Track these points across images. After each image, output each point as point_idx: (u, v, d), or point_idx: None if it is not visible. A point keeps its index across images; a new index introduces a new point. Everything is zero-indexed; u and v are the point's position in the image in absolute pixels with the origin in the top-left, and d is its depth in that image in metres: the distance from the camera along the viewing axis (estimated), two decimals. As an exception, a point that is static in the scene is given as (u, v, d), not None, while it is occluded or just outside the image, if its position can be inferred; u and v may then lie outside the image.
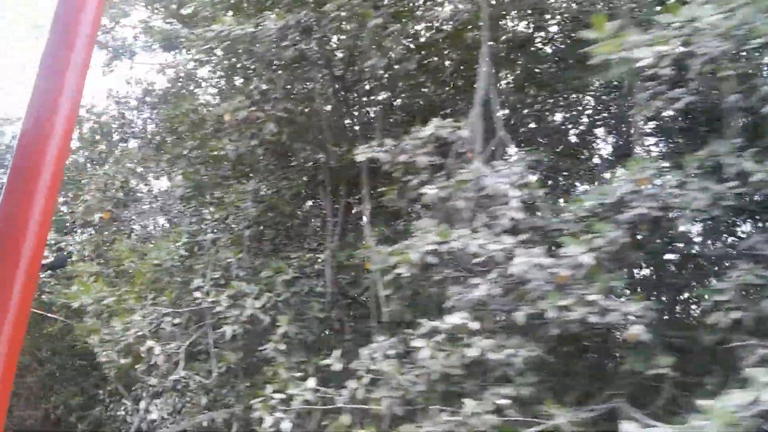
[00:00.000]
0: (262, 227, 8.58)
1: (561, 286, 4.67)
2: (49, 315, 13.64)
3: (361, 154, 5.90)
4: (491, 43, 6.53)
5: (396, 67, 6.96)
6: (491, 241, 4.91)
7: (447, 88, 8.36)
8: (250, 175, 9.10)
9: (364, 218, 7.75)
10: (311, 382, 5.64)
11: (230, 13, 7.96)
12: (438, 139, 5.67)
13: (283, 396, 5.83)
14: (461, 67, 7.94)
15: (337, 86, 7.94)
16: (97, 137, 16.16)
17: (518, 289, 4.85)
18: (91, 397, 16.45)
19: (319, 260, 8.21)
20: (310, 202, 9.49)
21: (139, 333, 7.33)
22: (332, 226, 8.38)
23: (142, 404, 12.24)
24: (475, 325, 4.71)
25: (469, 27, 7.16)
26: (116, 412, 14.11)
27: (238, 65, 8.18)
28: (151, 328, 7.52)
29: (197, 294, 8.01)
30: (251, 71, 8.06)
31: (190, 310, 7.99)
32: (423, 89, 8.48)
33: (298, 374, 6.26)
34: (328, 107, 8.43)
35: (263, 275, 7.61)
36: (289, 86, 7.60)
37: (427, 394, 5.11)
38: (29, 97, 1.37)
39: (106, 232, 11.90)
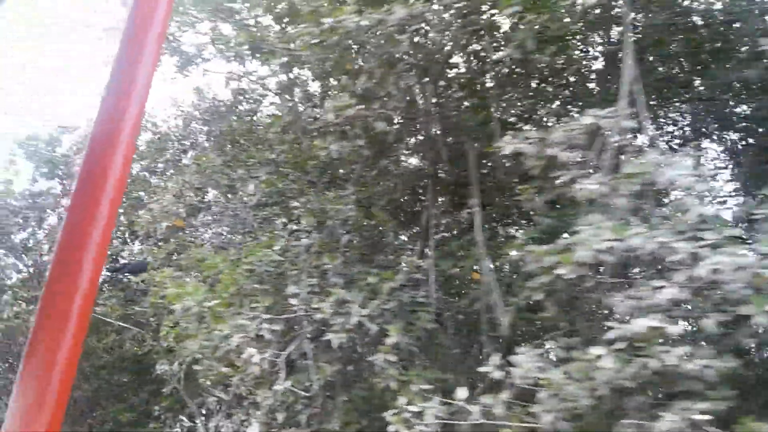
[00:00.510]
0: (359, 233, 8.11)
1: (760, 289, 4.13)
2: (116, 322, 13.24)
3: (507, 145, 5.43)
4: (633, 37, 6.07)
5: (527, 59, 6.50)
6: (676, 239, 4.38)
7: (576, 81, 7.87)
8: (343, 179, 8.68)
9: (476, 222, 7.24)
10: (462, 393, 5.09)
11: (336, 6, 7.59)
12: (593, 130, 5.19)
13: (416, 409, 5.33)
14: (596, 59, 7.48)
15: (452, 82, 7.53)
16: (157, 148, 15.94)
17: (709, 292, 4.31)
18: (141, 413, 15.96)
19: (420, 268, 7.70)
20: (409, 208, 8.99)
21: (243, 339, 6.84)
22: (434, 234, 7.89)
23: (215, 420, 11.76)
24: (676, 329, 4.16)
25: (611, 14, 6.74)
26: (173, 428, 13.61)
27: (340, 62, 7.79)
28: (251, 335, 7.03)
29: (293, 301, 7.55)
30: (356, 68, 7.65)
31: (285, 318, 7.52)
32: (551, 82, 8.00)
33: (426, 386, 5.75)
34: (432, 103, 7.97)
35: (370, 281, 7.13)
36: (400, 83, 7.16)
37: (592, 409, 4.56)
38: (100, 102, 1.35)
39: (173, 240, 11.52)
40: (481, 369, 5.06)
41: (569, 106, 7.28)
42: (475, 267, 7.46)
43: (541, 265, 4.92)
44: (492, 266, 6.97)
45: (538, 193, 5.68)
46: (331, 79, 8.33)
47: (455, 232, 8.47)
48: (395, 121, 7.42)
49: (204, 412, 13.10)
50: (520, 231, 6.95)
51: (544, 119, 7.69)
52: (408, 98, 7.45)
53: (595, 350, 4.37)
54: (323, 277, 7.77)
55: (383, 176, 8.08)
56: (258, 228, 9.89)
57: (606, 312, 4.90)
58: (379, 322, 6.88)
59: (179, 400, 14.50)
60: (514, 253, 6.20)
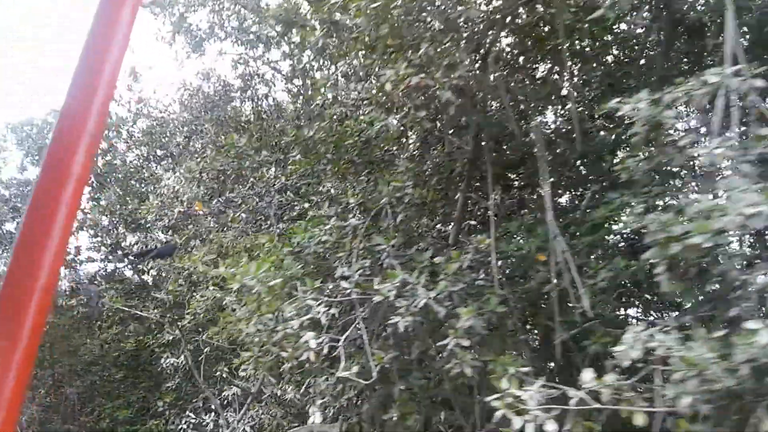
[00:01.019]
0: (415, 212, 7.58)
1: None
2: (134, 311, 12.48)
3: (622, 106, 4.96)
4: None
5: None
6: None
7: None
8: (387, 158, 8.15)
9: (546, 199, 6.77)
10: (587, 376, 4.60)
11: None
12: (712, 90, 4.75)
13: (520, 393, 4.83)
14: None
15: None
16: (158, 134, 15.21)
17: None
18: (139, 409, 15.17)
19: (479, 250, 7.20)
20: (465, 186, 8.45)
21: (302, 322, 6.26)
22: (495, 213, 7.40)
23: (233, 413, 11.09)
24: None
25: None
26: (178, 425, 12.88)
27: (397, 29, 7.26)
28: (308, 319, 6.45)
29: (345, 284, 6.99)
30: (414, 35, 7.13)
31: (338, 301, 6.96)
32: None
33: (523, 369, 5.27)
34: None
35: (436, 261, 6.62)
36: (469, 49, 6.66)
37: (732, 391, 4.12)
38: (65, 98, 1.32)
39: (191, 224, 10.85)
40: (617, 350, 4.55)
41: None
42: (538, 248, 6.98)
43: (668, 234, 4.46)
44: (566, 246, 6.49)
45: (642, 160, 5.23)
46: (383, 50, 7.76)
47: (517, 211, 8.00)
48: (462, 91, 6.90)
49: (213, 406, 12.40)
50: (604, 204, 6.44)
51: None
52: (476, 67, 6.96)
53: (752, 324, 3.92)
54: (377, 258, 7.24)
55: (440, 152, 7.56)
56: (287, 210, 9.31)
57: (738, 285, 4.46)
58: (447, 305, 6.38)
59: (183, 396, 13.78)
60: (626, 222, 5.73)
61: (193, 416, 12.39)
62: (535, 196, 7.88)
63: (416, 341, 6.90)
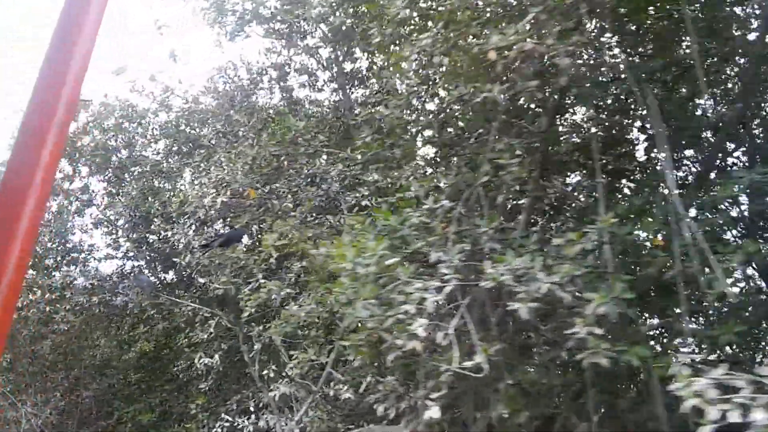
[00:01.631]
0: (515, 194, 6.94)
1: None
2: (191, 305, 11.67)
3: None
4: None
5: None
6: None
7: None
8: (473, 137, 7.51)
9: (668, 177, 6.17)
10: None
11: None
12: None
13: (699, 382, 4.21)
14: None
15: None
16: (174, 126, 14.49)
17: None
18: (163, 412, 14.32)
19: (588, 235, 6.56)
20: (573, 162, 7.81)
21: (411, 309, 5.58)
22: (604, 195, 6.77)
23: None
24: None
25: None
26: (212, 428, 12.09)
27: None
28: (414, 306, 5.77)
29: (444, 269, 6.32)
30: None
31: (440, 287, 6.28)
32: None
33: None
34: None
35: (556, 243, 5.99)
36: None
37: None
38: (30, 97, 1.32)
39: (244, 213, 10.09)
40: None
41: None
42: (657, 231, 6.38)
43: None
44: (695, 226, 5.89)
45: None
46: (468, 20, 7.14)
47: (632, 191, 7.40)
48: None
49: (252, 408, 11.62)
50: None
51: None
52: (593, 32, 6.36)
53: None
54: (476, 242, 6.59)
55: (548, 127, 6.92)
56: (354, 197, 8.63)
57: None
58: (570, 290, 5.75)
59: (214, 398, 12.98)
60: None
61: (229, 419, 11.61)
62: (639, 176, 7.28)
63: (532, 329, 6.26)
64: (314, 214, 9.23)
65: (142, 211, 14.46)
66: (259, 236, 9.49)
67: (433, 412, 5.57)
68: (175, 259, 11.78)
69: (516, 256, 5.97)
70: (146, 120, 15.46)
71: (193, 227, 11.89)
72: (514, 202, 7.15)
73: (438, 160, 7.67)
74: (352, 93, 13.20)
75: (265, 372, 10.34)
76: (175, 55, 12.39)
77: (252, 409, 11.65)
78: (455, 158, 7.34)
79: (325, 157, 9.90)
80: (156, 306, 13.12)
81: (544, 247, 6.31)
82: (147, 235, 14.37)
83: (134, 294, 13.95)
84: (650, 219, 6.35)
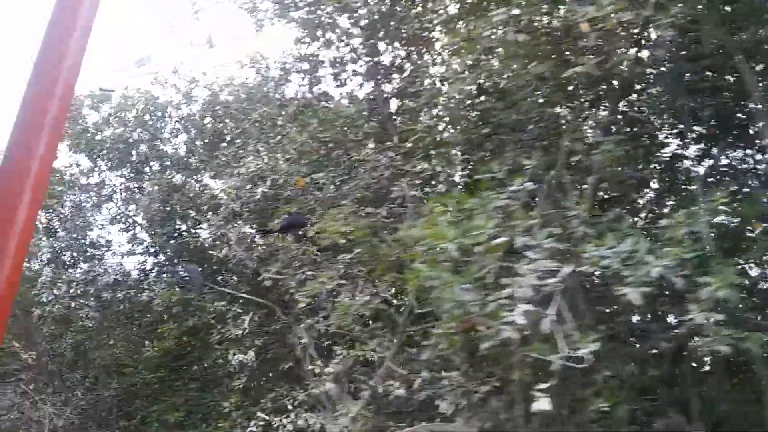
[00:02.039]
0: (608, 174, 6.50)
1: None
2: (242, 295, 11.16)
3: None
4: None
5: None
6: None
7: None
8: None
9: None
10: None
11: None
12: None
13: None
14: None
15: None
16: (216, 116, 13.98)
17: None
18: (191, 411, 13.77)
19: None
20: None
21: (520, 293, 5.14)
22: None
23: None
24: None
25: None
26: (245, 427, 11.58)
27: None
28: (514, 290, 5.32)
29: (531, 254, 5.88)
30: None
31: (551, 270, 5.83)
32: None
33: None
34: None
35: (664, 224, 5.57)
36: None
37: None
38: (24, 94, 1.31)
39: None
40: None
41: None
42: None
43: None
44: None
45: None
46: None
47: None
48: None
49: (291, 407, 11.10)
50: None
51: None
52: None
53: None
54: (566, 226, 6.17)
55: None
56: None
57: None
58: (681, 274, 5.33)
59: (247, 396, 12.45)
60: None
61: (266, 417, 11.10)
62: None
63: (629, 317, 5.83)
64: (360, 204, 8.75)
65: (166, 207, 13.93)
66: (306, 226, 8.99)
67: (543, 404, 5.12)
68: (211, 252, 11.24)
69: (616, 239, 5.56)
70: (168, 112, 14.94)
71: (225, 221, 11.39)
72: (605, 183, 6.72)
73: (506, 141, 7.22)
74: (386, 83, 12.72)
75: (311, 367, 9.85)
76: (211, 40, 11.89)
77: (290, 407, 11.14)
78: (529, 140, 6.90)
79: (371, 145, 9.45)
80: (184, 302, 12.56)
81: (642, 229, 5.91)
82: (173, 230, 13.82)
83: (159, 290, 13.40)
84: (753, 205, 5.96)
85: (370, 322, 8.31)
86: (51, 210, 15.08)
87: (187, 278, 12.51)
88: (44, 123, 1.24)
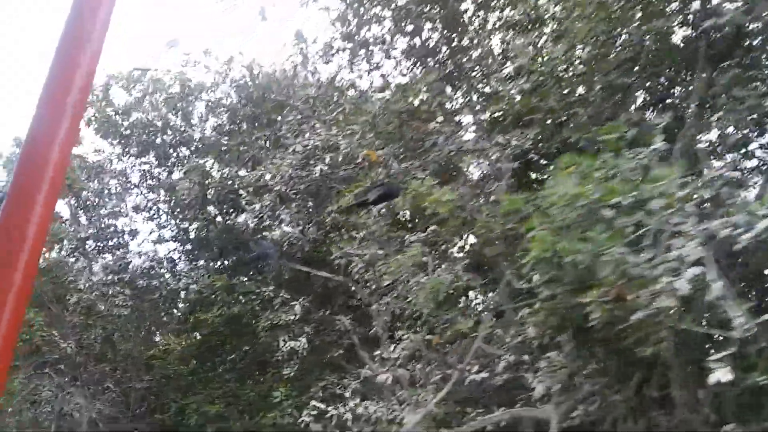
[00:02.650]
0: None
1: None
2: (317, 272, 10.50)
3: None
4: None
5: None
6: None
7: None
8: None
9: None
10: None
11: None
12: None
13: None
14: None
15: None
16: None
17: None
18: (229, 404, 13.10)
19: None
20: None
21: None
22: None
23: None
24: None
25: None
26: (297, 417, 10.93)
27: None
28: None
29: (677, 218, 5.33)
30: None
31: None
32: None
33: None
34: None
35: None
36: None
37: None
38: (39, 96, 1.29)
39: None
40: None
41: None
42: None
43: None
44: None
45: None
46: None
47: None
48: None
49: (348, 394, 10.47)
50: None
51: None
52: None
53: None
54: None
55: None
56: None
57: None
58: None
59: (295, 385, 11.79)
60: None
61: (322, 406, 10.46)
62: None
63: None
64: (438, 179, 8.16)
65: (202, 192, 13.24)
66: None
67: (723, 374, 4.56)
68: (266, 233, 10.59)
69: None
70: (200, 95, 14.24)
71: (275, 202, 10.74)
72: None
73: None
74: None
75: (377, 352, 9.25)
76: (264, 12, 11.25)
77: (347, 395, 10.52)
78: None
79: (440, 118, 8.87)
80: (228, 288, 11.90)
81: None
82: (209, 215, 13.14)
83: (198, 275, 12.74)
84: None
85: (462, 299, 7.70)
86: (76, 196, 14.34)
87: (260, 255, 11.68)
88: (64, 113, 1.20)
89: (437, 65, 11.59)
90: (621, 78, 6.85)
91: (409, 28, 11.66)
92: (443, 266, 7.58)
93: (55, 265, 11.83)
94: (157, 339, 14.43)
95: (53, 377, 11.83)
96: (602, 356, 6.85)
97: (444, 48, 11.79)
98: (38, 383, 10.73)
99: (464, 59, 10.05)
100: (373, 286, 8.27)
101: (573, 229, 5.31)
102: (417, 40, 11.99)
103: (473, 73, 9.80)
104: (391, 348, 9.37)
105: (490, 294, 7.56)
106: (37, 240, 1.20)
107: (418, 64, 11.76)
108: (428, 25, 11.71)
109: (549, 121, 7.44)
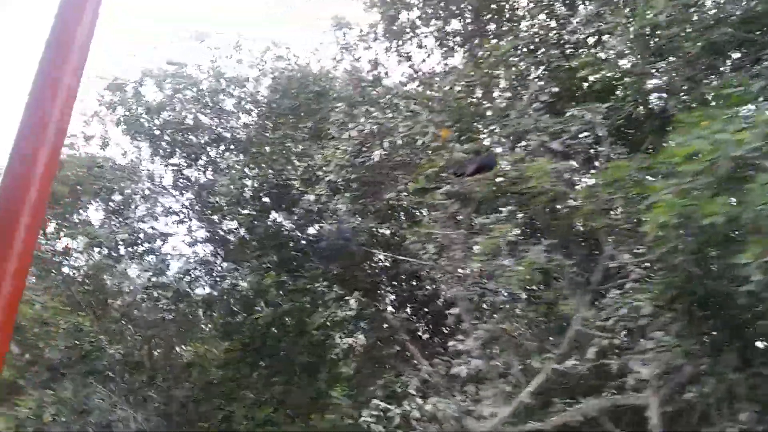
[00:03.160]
0: None
1: None
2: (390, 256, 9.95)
3: None
4: None
5: None
6: None
7: None
8: None
9: None
10: None
11: None
12: None
13: None
14: None
15: None
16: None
17: None
18: (277, 409, 12.52)
19: None
20: None
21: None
22: None
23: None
24: None
25: None
26: (358, 419, 10.35)
27: None
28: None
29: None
30: None
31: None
32: None
33: None
34: None
35: None
36: None
37: None
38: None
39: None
40: None
41: None
42: None
43: None
44: None
45: None
46: None
47: None
48: None
49: (414, 390, 9.90)
50: None
51: None
52: None
53: None
54: None
55: None
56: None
57: None
58: None
59: (357, 383, 11.24)
60: None
61: (387, 405, 9.88)
62: None
63: None
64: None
65: (241, 189, 12.69)
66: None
67: None
68: (321, 225, 10.04)
69: None
70: (233, 89, 13.71)
71: (328, 193, 10.17)
72: None
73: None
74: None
75: (452, 344, 8.68)
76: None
77: (413, 391, 9.94)
78: None
79: (508, 93, 8.33)
80: (277, 286, 11.33)
81: None
82: (253, 212, 12.56)
83: (242, 274, 12.18)
84: None
85: (557, 280, 7.12)
86: (105, 200, 13.80)
87: (316, 249, 11.06)
88: (48, 123, 1.17)
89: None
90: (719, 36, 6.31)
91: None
92: (535, 245, 7.02)
93: (95, 268, 11.29)
94: (198, 343, 13.83)
95: (97, 385, 11.27)
96: (720, 334, 6.30)
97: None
98: (86, 391, 10.15)
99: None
100: (452, 271, 7.69)
101: (713, 187, 4.75)
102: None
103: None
104: (465, 338, 8.83)
105: (587, 274, 6.98)
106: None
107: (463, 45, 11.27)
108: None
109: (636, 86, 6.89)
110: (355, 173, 9.82)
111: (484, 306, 8.37)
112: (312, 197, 9.81)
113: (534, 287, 7.03)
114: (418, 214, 9.70)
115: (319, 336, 11.10)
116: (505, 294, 7.22)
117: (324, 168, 10.00)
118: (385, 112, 9.52)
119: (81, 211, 13.43)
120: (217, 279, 13.19)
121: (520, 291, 6.87)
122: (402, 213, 9.21)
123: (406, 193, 8.99)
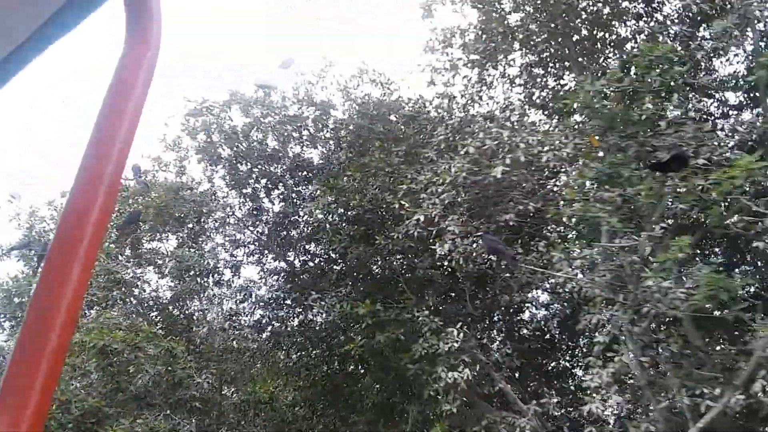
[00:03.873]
0: None
1: None
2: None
3: None
4: None
5: None
6: None
7: None
8: None
9: None
10: None
11: None
12: None
13: None
14: None
15: None
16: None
17: None
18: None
19: None
20: None
21: None
22: None
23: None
24: None
25: None
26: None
27: None
28: None
29: None
30: None
31: None
32: None
33: None
34: None
35: None
36: None
37: None
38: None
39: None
40: None
41: None
42: None
43: None
44: None
45: None
46: None
47: None
48: None
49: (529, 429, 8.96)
50: None
51: None
52: None
53: None
54: None
55: None
56: None
57: None
58: None
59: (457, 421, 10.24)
60: None
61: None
62: None
63: None
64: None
65: (327, 216, 12.10)
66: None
67: None
68: (433, 247, 9.27)
69: None
70: (319, 115, 13.25)
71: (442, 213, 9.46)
72: None
73: None
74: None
75: (587, 377, 7.80)
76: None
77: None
78: None
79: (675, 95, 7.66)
80: (372, 315, 10.53)
81: None
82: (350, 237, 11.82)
83: (329, 304, 11.44)
84: None
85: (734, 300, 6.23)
86: (182, 228, 13.29)
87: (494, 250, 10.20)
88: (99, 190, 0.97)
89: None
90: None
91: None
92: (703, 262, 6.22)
93: (186, 293, 10.70)
94: (273, 378, 13.01)
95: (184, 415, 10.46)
96: None
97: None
98: (171, 423, 9.39)
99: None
100: (599, 293, 6.88)
101: None
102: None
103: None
104: (596, 371, 7.94)
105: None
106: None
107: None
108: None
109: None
110: (470, 192, 9.21)
111: (621, 331, 7.52)
112: (420, 217, 9.16)
113: (711, 308, 6.17)
114: (547, 232, 9.00)
115: (415, 370, 10.22)
116: (669, 317, 6.36)
117: (432, 188, 9.40)
118: (502, 128, 8.97)
119: (160, 235, 12.97)
120: (295, 310, 12.47)
121: (696, 313, 6.02)
122: (525, 233, 8.49)
123: (531, 212, 8.31)
